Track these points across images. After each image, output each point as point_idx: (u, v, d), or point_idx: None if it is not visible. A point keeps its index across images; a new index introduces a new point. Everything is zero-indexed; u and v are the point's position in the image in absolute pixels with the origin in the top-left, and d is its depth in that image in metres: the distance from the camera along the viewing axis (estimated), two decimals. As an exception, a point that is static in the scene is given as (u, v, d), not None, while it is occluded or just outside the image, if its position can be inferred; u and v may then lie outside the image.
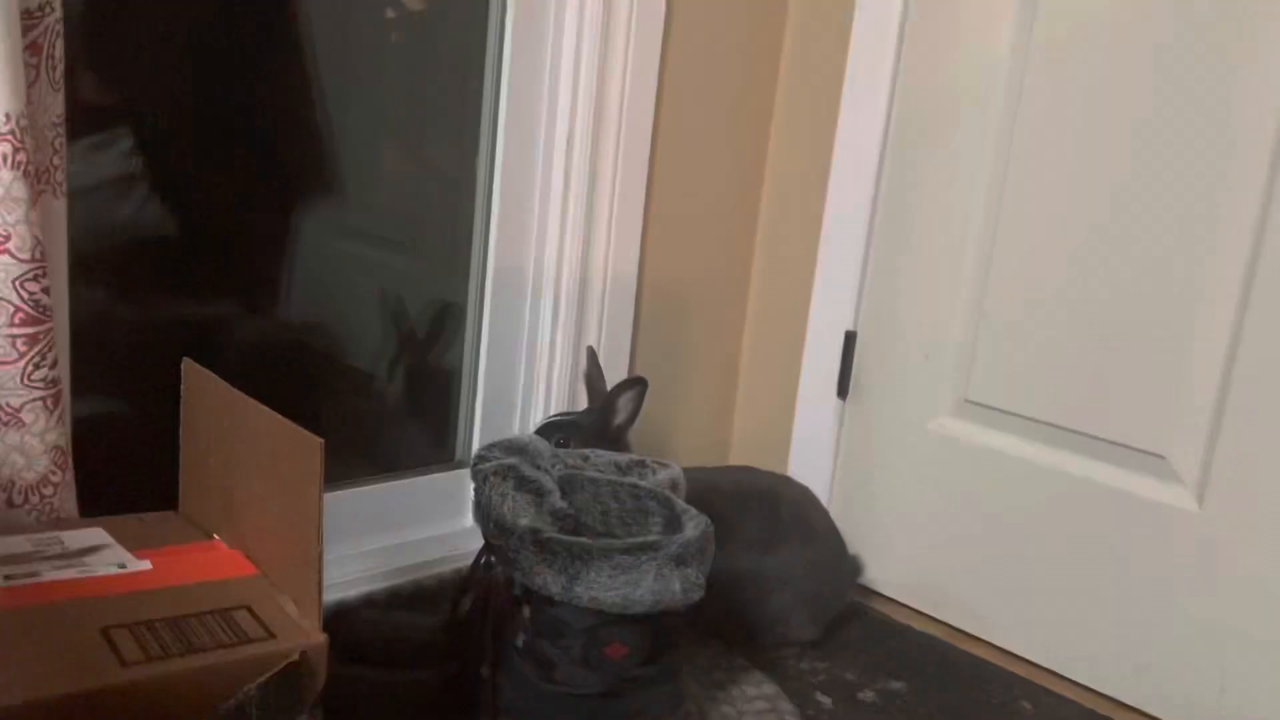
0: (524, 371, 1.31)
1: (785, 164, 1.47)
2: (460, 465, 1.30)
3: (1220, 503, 1.10)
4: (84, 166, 0.99)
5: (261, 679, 0.62)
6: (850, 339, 1.40)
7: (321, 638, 0.67)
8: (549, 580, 0.85)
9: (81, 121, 0.96)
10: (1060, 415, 1.21)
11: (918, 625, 1.32)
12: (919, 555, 1.35)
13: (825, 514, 1.29)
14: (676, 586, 0.86)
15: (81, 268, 0.93)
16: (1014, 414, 1.25)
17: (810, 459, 1.44)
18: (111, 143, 1.02)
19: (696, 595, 0.87)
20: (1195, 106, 1.09)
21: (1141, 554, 1.15)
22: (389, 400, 1.29)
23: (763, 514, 1.21)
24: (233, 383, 0.79)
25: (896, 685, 1.16)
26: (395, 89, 1.22)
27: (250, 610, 0.68)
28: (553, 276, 1.28)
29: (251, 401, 0.73)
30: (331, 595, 1.08)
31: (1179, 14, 1.10)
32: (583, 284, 1.29)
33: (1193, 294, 1.10)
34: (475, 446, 1.30)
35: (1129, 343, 1.15)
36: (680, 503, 0.92)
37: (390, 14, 1.21)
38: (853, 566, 1.33)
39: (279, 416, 0.70)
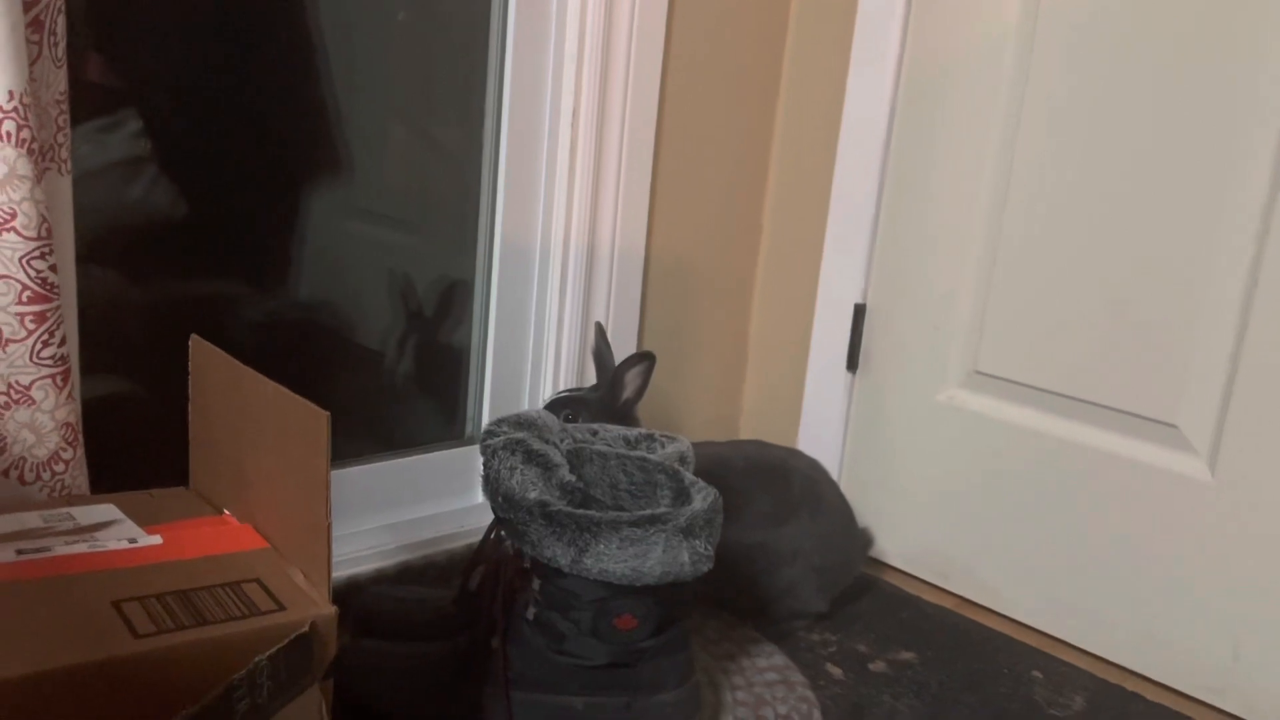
0: (532, 347, 1.31)
1: (792, 135, 1.46)
2: (470, 441, 1.31)
3: (1233, 471, 1.09)
4: (93, 148, 0.99)
5: (272, 650, 0.63)
6: (859, 311, 1.40)
7: (331, 609, 0.67)
8: (558, 553, 0.85)
9: (89, 103, 0.96)
10: (1070, 385, 1.21)
11: (928, 596, 1.32)
12: (929, 527, 1.35)
13: (835, 486, 1.29)
14: (685, 558, 0.86)
15: (92, 248, 0.94)
16: (1024, 384, 1.25)
17: (820, 432, 1.44)
18: (119, 124, 1.02)
19: (705, 567, 0.88)
20: (1208, 68, 1.08)
21: (1153, 523, 1.15)
22: (398, 378, 1.29)
23: (772, 487, 1.21)
24: (243, 361, 0.79)
25: (907, 656, 1.16)
26: (400, 67, 1.22)
27: (260, 583, 0.69)
28: (560, 252, 1.28)
29: (258, 376, 0.73)
30: (344, 570, 1.09)
31: (1190, -23, 1.08)
32: (590, 259, 1.29)
33: (1203, 262, 1.09)
34: (484, 422, 1.30)
35: (1139, 311, 1.14)
36: (689, 475, 0.92)
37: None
38: (863, 539, 1.33)
39: (286, 390, 0.70)
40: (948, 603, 1.31)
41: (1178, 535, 1.13)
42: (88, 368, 0.88)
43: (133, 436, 1.01)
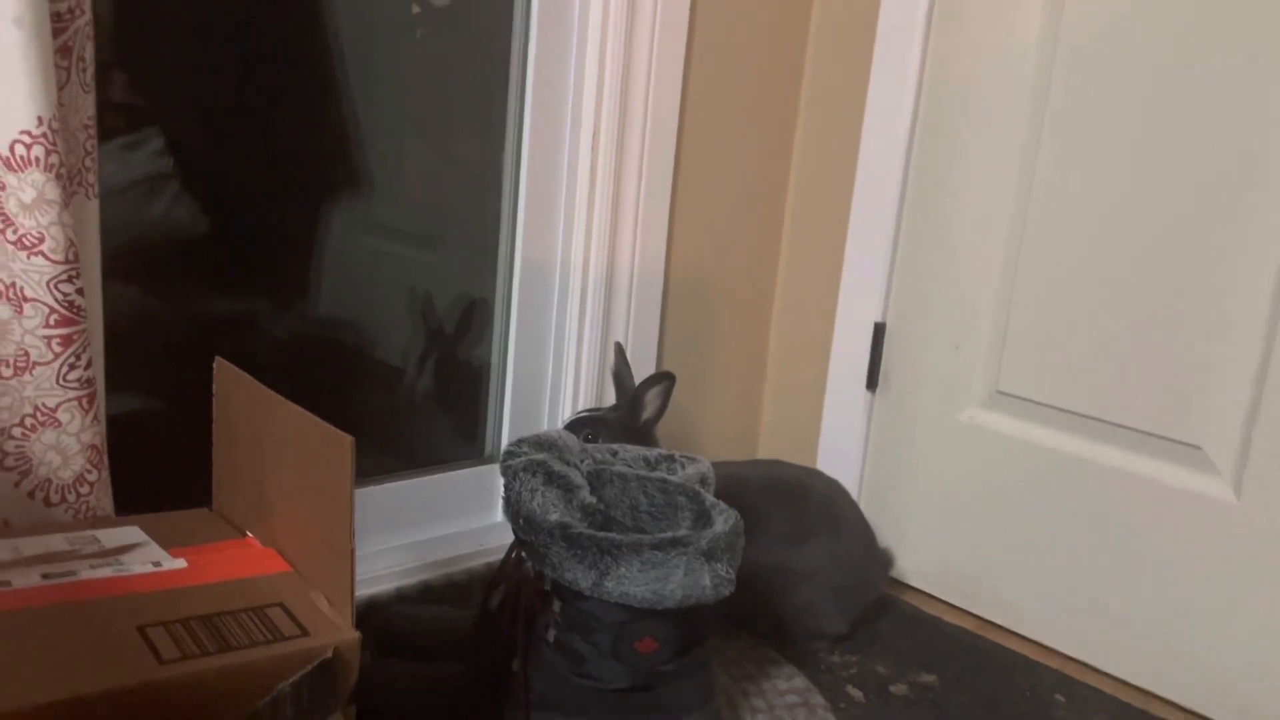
0: (552, 366, 1.32)
1: (812, 154, 1.46)
2: (490, 460, 1.31)
3: (1258, 493, 1.08)
4: (115, 166, 1.00)
5: (296, 676, 0.63)
6: (879, 330, 1.39)
7: (354, 634, 0.67)
8: (579, 575, 0.85)
9: (110, 121, 0.97)
10: (1093, 406, 1.20)
11: (949, 617, 1.31)
12: (950, 547, 1.34)
13: (855, 507, 1.28)
14: (706, 581, 0.86)
15: (113, 265, 0.94)
16: (1046, 405, 1.24)
17: (839, 451, 1.44)
18: (141, 142, 1.03)
19: (726, 590, 0.87)
20: (1233, 87, 1.07)
21: (1178, 546, 1.14)
22: (418, 395, 1.29)
23: (792, 507, 1.20)
24: (263, 379, 0.79)
25: (928, 678, 1.15)
26: (422, 85, 1.23)
27: (284, 607, 0.69)
28: (580, 272, 1.28)
29: (283, 400, 0.74)
30: (364, 590, 1.09)
31: (1208, 5, 1.08)
32: (610, 278, 1.29)
33: (1226, 281, 1.09)
34: (504, 441, 1.30)
35: (1162, 332, 1.14)
36: (710, 497, 0.92)
37: (416, 9, 1.21)
38: (883, 559, 1.33)
39: (310, 415, 0.71)
40: (968, 624, 1.30)
41: (1202, 557, 1.12)
42: (108, 384, 0.88)
43: (151, 451, 1.01)
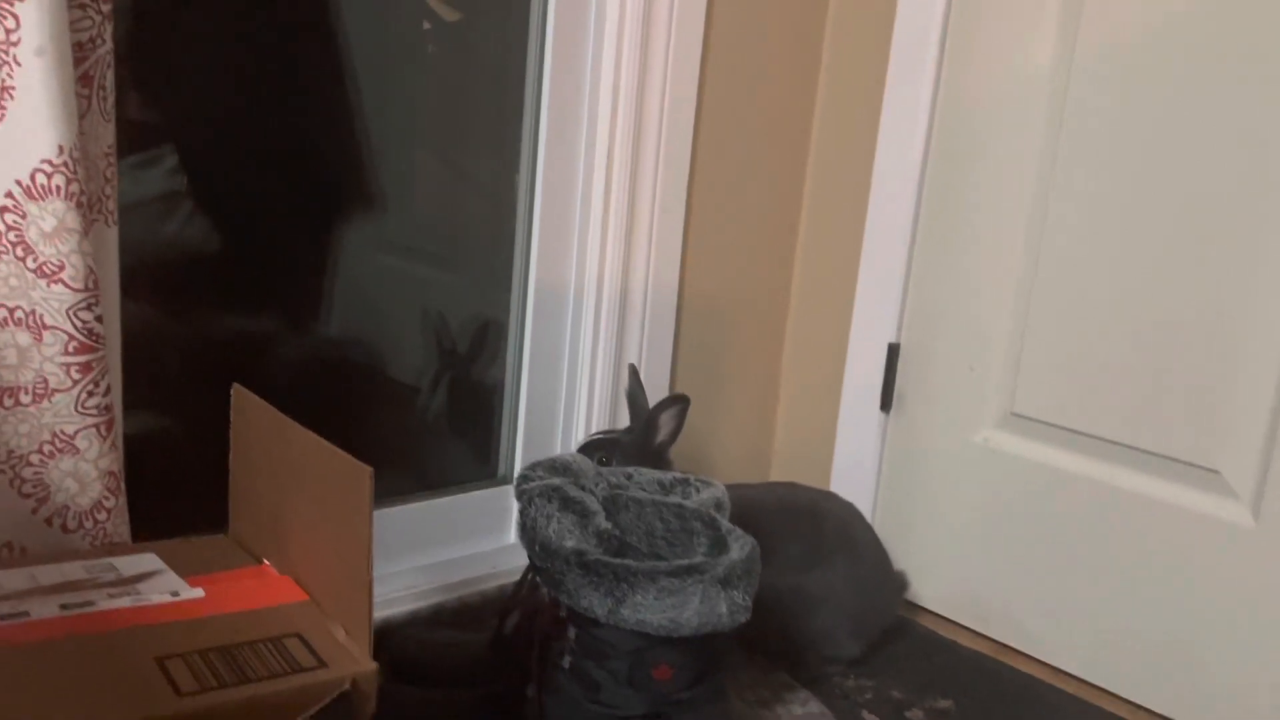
0: (565, 388, 1.31)
1: (825, 175, 1.46)
2: (503, 482, 1.31)
3: (1277, 518, 1.07)
4: (128, 184, 1.00)
5: (313, 709, 0.63)
6: (893, 351, 1.39)
7: (372, 666, 0.67)
8: (595, 603, 0.85)
9: (125, 139, 0.97)
10: (1109, 428, 1.20)
11: (965, 641, 1.31)
12: (965, 570, 1.33)
13: (870, 530, 1.28)
14: (723, 609, 0.85)
15: (126, 284, 0.94)
16: (1062, 427, 1.24)
17: (853, 473, 1.43)
18: (155, 160, 1.03)
19: (743, 618, 0.87)
20: (1249, 114, 1.07)
21: (1196, 570, 1.13)
22: (431, 417, 1.29)
23: (806, 531, 1.20)
24: (277, 397, 0.79)
25: (944, 704, 1.15)
26: (436, 104, 1.23)
27: (301, 638, 0.69)
28: (594, 293, 1.28)
29: (301, 428, 0.74)
30: (377, 613, 1.07)
31: (1223, 26, 1.07)
32: (623, 300, 1.29)
33: (1244, 304, 1.08)
34: (518, 463, 1.30)
35: (1179, 354, 1.13)
36: (726, 523, 0.92)
37: (426, 25, 1.21)
38: (898, 582, 1.32)
39: (328, 444, 0.71)
40: (985, 648, 1.29)
41: (1221, 582, 1.11)
42: (123, 405, 0.88)
43: (163, 471, 1.01)
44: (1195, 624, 1.13)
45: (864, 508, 1.34)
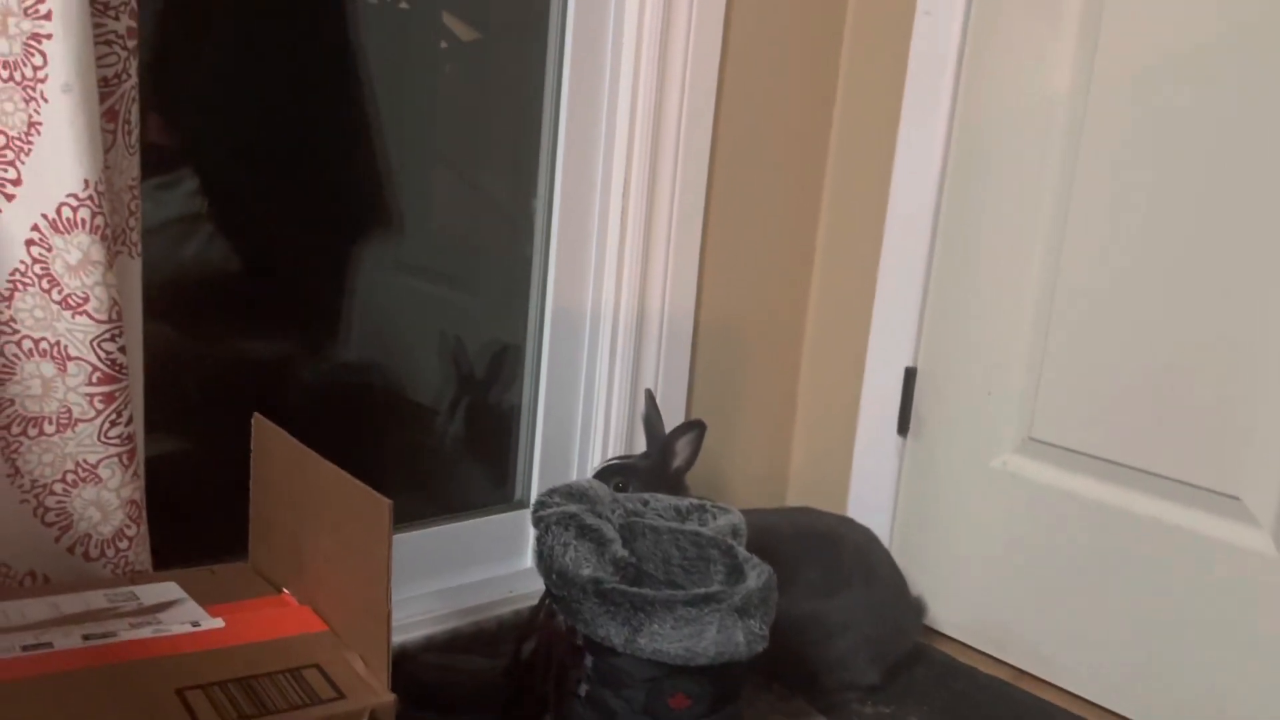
0: (582, 413, 1.32)
1: (841, 199, 1.46)
2: (520, 506, 1.31)
3: (1299, 547, 1.06)
4: (149, 206, 1.01)
5: (332, 741, 0.63)
6: (910, 375, 1.39)
7: (390, 697, 0.67)
8: (611, 632, 0.85)
9: (145, 162, 0.98)
10: (1129, 454, 1.19)
11: (983, 667, 1.30)
12: (984, 596, 1.33)
13: (887, 555, 1.27)
14: (740, 638, 0.85)
15: (147, 306, 0.95)
16: (1080, 452, 1.23)
17: (870, 497, 1.43)
18: (175, 183, 1.05)
19: (760, 647, 0.87)
20: (1267, 136, 1.06)
21: (1217, 598, 1.12)
22: (448, 440, 1.30)
23: (823, 556, 1.20)
24: (295, 421, 0.80)
25: (963, 732, 1.14)
26: (455, 128, 1.24)
27: (320, 669, 0.69)
28: (610, 318, 1.29)
29: (321, 459, 0.74)
30: (393, 637, 1.08)
31: (1242, 53, 1.07)
32: (640, 324, 1.30)
33: (1265, 328, 1.07)
34: (534, 487, 1.30)
35: (1199, 379, 1.12)
36: (743, 551, 0.92)
37: (444, 44, 1.22)
38: (916, 608, 1.31)
39: (348, 475, 0.71)
40: (1004, 674, 1.29)
41: (1242, 610, 1.10)
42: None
43: (181, 493, 1.02)
44: (1216, 652, 1.12)
45: (881, 532, 1.34)
